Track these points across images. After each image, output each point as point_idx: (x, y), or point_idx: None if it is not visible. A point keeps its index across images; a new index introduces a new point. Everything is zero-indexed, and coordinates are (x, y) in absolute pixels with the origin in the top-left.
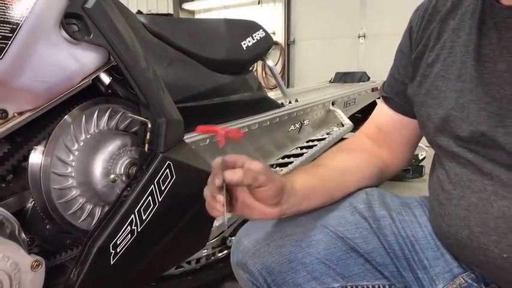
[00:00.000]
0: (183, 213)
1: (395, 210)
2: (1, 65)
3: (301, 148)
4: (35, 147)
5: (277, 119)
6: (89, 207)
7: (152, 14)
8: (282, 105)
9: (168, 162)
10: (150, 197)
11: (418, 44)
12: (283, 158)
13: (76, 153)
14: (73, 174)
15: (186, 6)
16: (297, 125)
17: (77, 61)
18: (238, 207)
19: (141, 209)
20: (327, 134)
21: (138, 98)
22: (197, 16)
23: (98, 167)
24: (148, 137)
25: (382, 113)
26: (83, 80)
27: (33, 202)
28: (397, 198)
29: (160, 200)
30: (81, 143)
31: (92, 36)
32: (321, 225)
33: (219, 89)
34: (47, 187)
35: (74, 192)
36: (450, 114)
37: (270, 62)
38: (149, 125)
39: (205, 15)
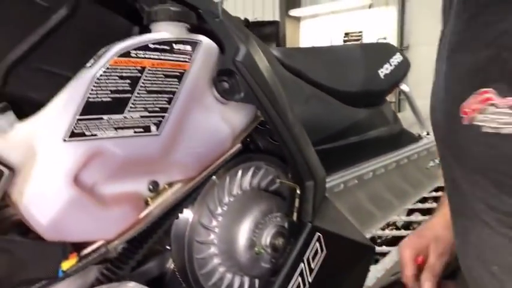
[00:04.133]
0: None
1: None
2: (158, 141)
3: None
4: (180, 213)
5: (416, 156)
6: (228, 276)
7: (258, 22)
8: (419, 137)
9: (318, 234)
10: (300, 278)
11: None
12: (422, 201)
13: (219, 218)
14: (215, 242)
15: (292, 12)
16: (437, 161)
17: (227, 123)
18: None
19: None
20: None
21: (282, 155)
22: (303, 22)
23: (242, 237)
24: (297, 204)
25: None
26: (233, 144)
27: (172, 265)
28: None
29: (310, 281)
30: (225, 207)
31: (242, 94)
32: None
33: (356, 126)
34: (190, 256)
35: (215, 261)
36: None
37: (405, 87)
38: (298, 191)
39: (312, 21)
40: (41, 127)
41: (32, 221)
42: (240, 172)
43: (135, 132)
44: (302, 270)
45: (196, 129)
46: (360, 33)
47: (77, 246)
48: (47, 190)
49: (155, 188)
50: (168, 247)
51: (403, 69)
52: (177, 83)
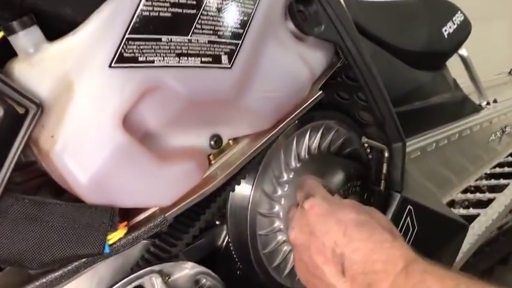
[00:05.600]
0: None
1: None
2: (229, 76)
3: (510, 165)
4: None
5: (478, 127)
6: (292, 258)
7: None
8: (480, 107)
9: (409, 207)
10: None
11: None
12: (487, 177)
13: (285, 186)
14: (281, 215)
15: None
16: (498, 134)
17: (306, 64)
18: None
19: None
20: None
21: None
22: None
23: None
24: (384, 170)
25: None
26: (311, 91)
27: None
28: None
29: None
30: (291, 174)
31: (322, 27)
32: None
33: (419, 90)
34: (252, 232)
35: (280, 238)
36: None
37: (464, 52)
38: (386, 154)
39: None
40: (79, 48)
41: (67, 175)
42: (308, 132)
43: (202, 62)
44: None
45: (271, 67)
46: None
47: (124, 214)
48: (87, 134)
49: (218, 144)
50: (217, 222)
51: (465, 29)
52: (252, 3)
